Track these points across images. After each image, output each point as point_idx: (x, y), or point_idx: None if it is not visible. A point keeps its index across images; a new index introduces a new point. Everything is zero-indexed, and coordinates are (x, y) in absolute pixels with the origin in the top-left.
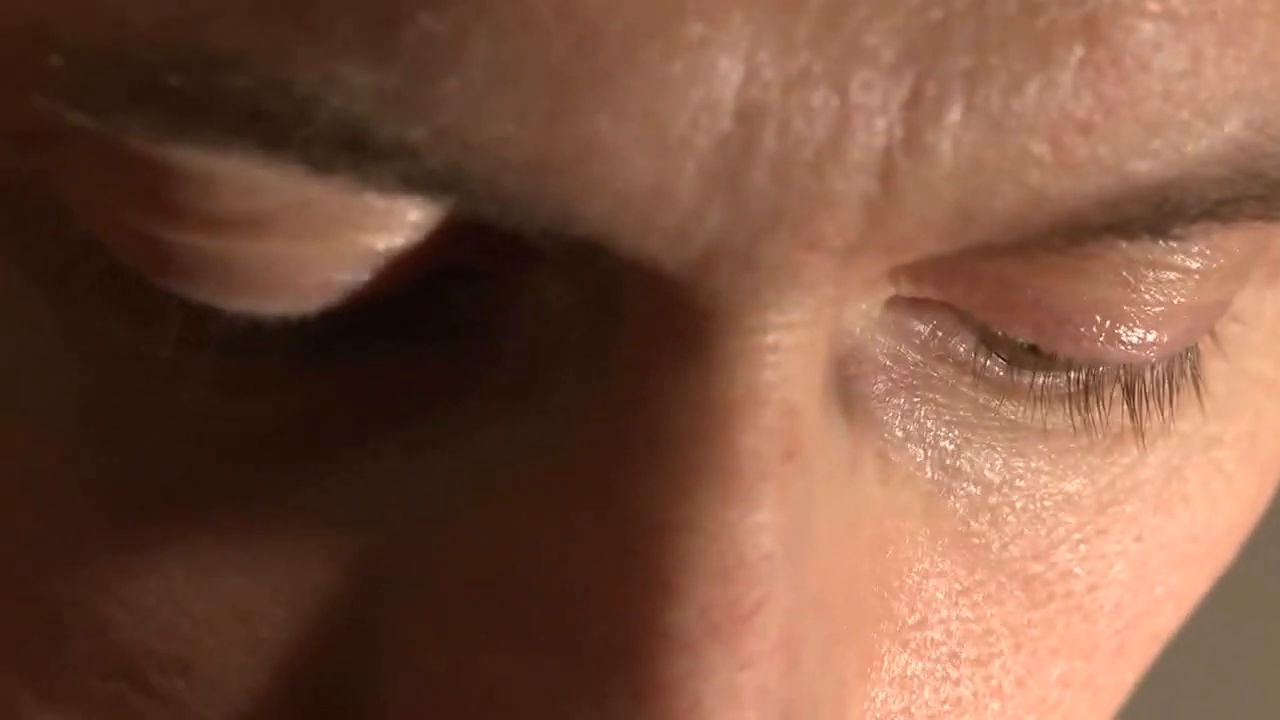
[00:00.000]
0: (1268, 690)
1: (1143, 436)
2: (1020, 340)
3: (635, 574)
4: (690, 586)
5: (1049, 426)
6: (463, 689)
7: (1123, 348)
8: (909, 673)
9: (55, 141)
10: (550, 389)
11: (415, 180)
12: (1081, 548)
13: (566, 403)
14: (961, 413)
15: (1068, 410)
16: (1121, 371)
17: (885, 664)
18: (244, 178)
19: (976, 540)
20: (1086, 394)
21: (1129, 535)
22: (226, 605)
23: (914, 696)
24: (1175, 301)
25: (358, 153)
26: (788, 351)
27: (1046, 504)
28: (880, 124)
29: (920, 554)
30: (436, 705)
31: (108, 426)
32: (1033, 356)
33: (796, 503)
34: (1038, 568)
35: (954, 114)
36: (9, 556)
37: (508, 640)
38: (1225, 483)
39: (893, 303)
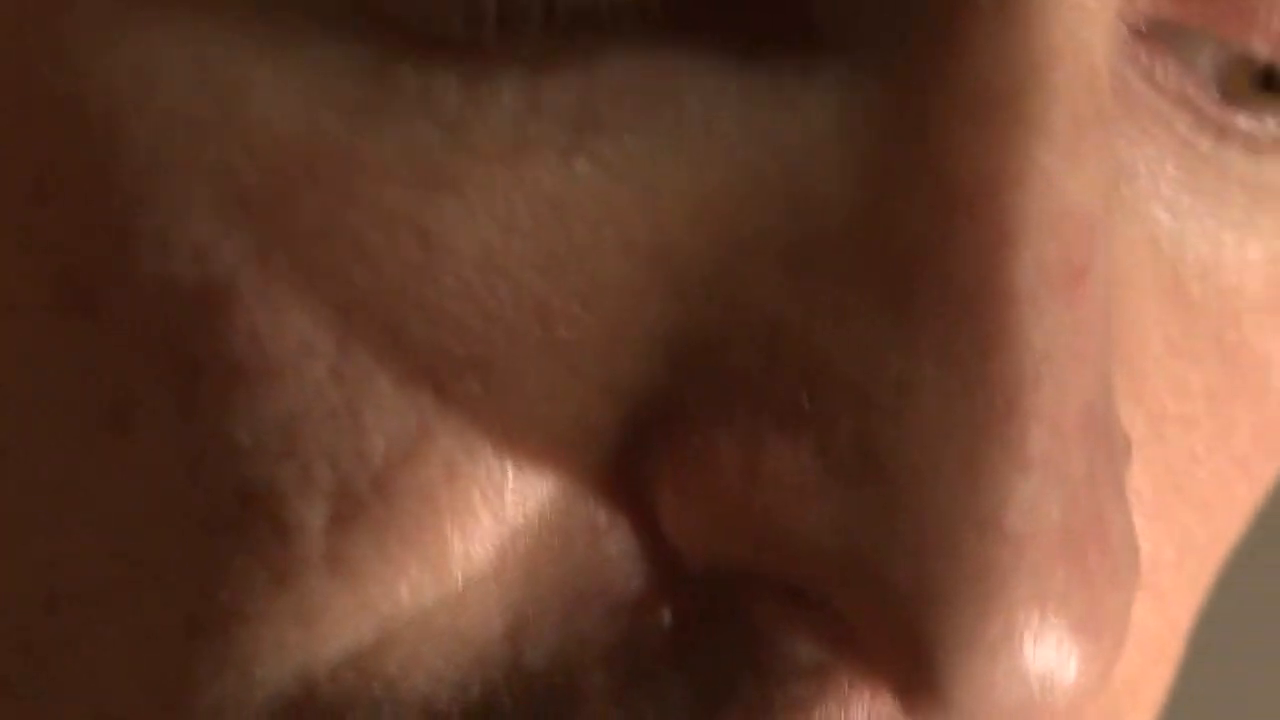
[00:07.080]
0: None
1: None
2: (1260, 55)
3: (967, 229)
4: (1026, 237)
5: (1253, 178)
6: (782, 372)
7: None
8: (1131, 419)
9: None
10: (855, 65)
11: None
12: (1255, 317)
13: (875, 73)
14: (1177, 153)
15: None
16: None
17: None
18: None
19: (1185, 291)
20: None
21: None
22: (522, 303)
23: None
24: None
25: None
26: (1092, 11)
27: (1238, 265)
28: None
29: (1144, 296)
30: (750, 398)
31: (384, 116)
32: (1257, 94)
33: (1107, 168)
34: (1230, 334)
35: None
36: (296, 269)
37: (828, 316)
38: None
39: (1121, 27)
